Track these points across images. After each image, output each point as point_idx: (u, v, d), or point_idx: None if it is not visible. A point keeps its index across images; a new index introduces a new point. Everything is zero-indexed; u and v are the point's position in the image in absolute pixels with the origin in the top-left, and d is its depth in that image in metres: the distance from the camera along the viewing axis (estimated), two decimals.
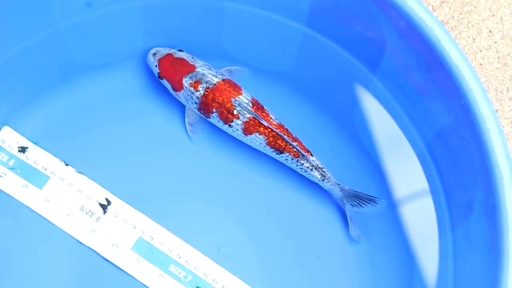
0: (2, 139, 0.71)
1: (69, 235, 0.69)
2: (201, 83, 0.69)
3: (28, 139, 0.71)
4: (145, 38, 0.74)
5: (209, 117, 0.71)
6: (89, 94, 0.73)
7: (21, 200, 0.69)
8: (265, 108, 0.70)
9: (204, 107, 0.70)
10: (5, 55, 0.71)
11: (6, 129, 0.71)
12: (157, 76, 0.72)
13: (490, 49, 0.82)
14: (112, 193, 0.70)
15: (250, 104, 0.69)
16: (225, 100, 0.69)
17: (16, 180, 0.70)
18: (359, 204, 0.69)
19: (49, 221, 0.69)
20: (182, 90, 0.70)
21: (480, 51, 0.82)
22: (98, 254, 0.69)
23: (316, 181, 0.70)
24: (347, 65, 0.74)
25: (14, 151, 0.71)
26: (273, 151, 0.70)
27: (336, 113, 0.74)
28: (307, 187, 0.72)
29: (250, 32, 0.74)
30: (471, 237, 0.65)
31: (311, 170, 0.70)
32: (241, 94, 0.70)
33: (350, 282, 0.70)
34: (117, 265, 0.69)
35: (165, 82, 0.72)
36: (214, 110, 0.69)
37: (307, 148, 0.70)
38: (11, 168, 0.70)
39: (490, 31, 0.82)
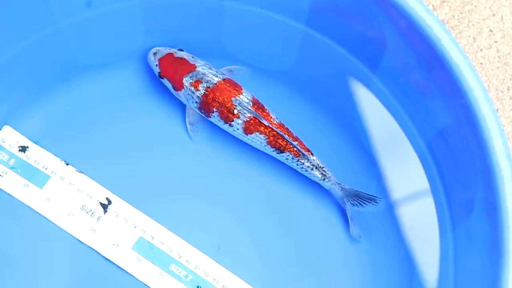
0: (2, 139, 0.71)
1: (70, 234, 0.69)
2: (202, 82, 0.69)
3: (28, 138, 0.71)
4: (145, 37, 0.74)
5: (210, 117, 0.71)
6: (90, 93, 0.73)
7: (21, 199, 0.69)
8: (265, 107, 0.70)
9: (205, 106, 0.70)
10: (5, 54, 0.71)
11: (7, 128, 0.71)
12: (157, 75, 0.72)
13: (491, 48, 0.82)
14: (112, 192, 0.70)
15: (251, 104, 0.69)
16: (225, 99, 0.69)
17: (17, 179, 0.70)
18: (359, 203, 0.69)
19: (49, 221, 0.69)
20: (183, 90, 0.70)
21: (481, 50, 0.82)
22: (99, 253, 0.69)
23: (317, 180, 0.70)
24: (347, 64, 0.74)
25: (15, 150, 0.71)
26: (273, 151, 0.70)
27: (336, 112, 0.74)
28: (307, 187, 0.72)
29: (250, 31, 0.74)
30: (471, 236, 0.65)
31: (312, 169, 0.70)
32: (241, 93, 0.70)
33: (350, 281, 0.70)
34: (117, 264, 0.69)
35: (165, 82, 0.72)
36: (214, 109, 0.69)
37: (307, 147, 0.70)
38: (12, 168, 0.70)
39: (491, 31, 0.82)
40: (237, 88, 0.70)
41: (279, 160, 0.71)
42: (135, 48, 0.74)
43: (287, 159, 0.70)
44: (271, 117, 0.70)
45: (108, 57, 0.74)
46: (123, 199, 0.70)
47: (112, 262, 0.69)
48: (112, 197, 0.70)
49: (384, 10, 0.66)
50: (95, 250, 0.69)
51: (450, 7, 0.83)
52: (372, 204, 0.69)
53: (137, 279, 0.68)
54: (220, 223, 0.71)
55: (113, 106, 0.73)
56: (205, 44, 0.75)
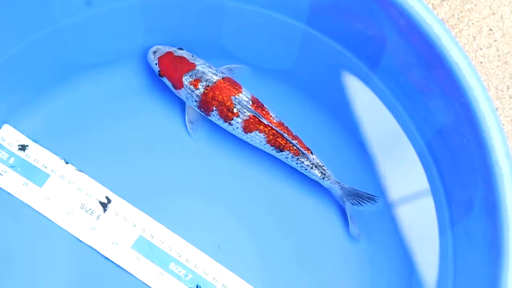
0: (2, 137, 0.71)
1: (69, 233, 0.69)
2: (201, 81, 0.69)
3: (28, 137, 0.71)
4: (145, 36, 0.74)
5: (209, 115, 0.71)
6: (89, 92, 0.73)
7: (21, 198, 0.69)
8: (265, 106, 0.70)
9: (204, 105, 0.70)
10: (6, 54, 0.71)
11: (6, 127, 0.71)
12: (157, 74, 0.72)
13: (491, 47, 0.82)
14: (112, 191, 0.70)
15: (250, 102, 0.69)
16: (225, 98, 0.69)
17: (16, 178, 0.70)
18: (359, 202, 0.69)
19: (49, 219, 0.69)
20: (182, 88, 0.70)
21: (481, 49, 0.82)
22: (98, 252, 0.69)
23: (316, 179, 0.70)
24: (347, 63, 0.74)
25: (14, 149, 0.71)
26: (273, 149, 0.70)
27: (336, 111, 0.74)
28: (307, 185, 0.72)
29: (250, 30, 0.74)
30: (471, 235, 0.65)
31: (311, 168, 0.70)
32: (241, 92, 0.70)
33: (350, 280, 0.70)
34: (117, 263, 0.69)
35: (165, 80, 0.72)
36: (214, 108, 0.69)
37: (307, 146, 0.70)
38: (11, 166, 0.70)
39: (491, 29, 0.82)
40: (236, 87, 0.70)
41: (278, 159, 0.71)
42: (135, 47, 0.74)
43: (286, 157, 0.70)
44: (271, 116, 0.70)
45: (108, 56, 0.74)
46: (122, 198, 0.70)
47: (112, 261, 0.69)
48: (112, 196, 0.70)
49: (384, 9, 0.66)
50: (95, 249, 0.69)
51: (450, 6, 0.83)
52: (372, 203, 0.69)
53: (136, 278, 0.68)
54: (220, 222, 0.71)
55: (113, 104, 0.73)
56: (205, 42, 0.75)
